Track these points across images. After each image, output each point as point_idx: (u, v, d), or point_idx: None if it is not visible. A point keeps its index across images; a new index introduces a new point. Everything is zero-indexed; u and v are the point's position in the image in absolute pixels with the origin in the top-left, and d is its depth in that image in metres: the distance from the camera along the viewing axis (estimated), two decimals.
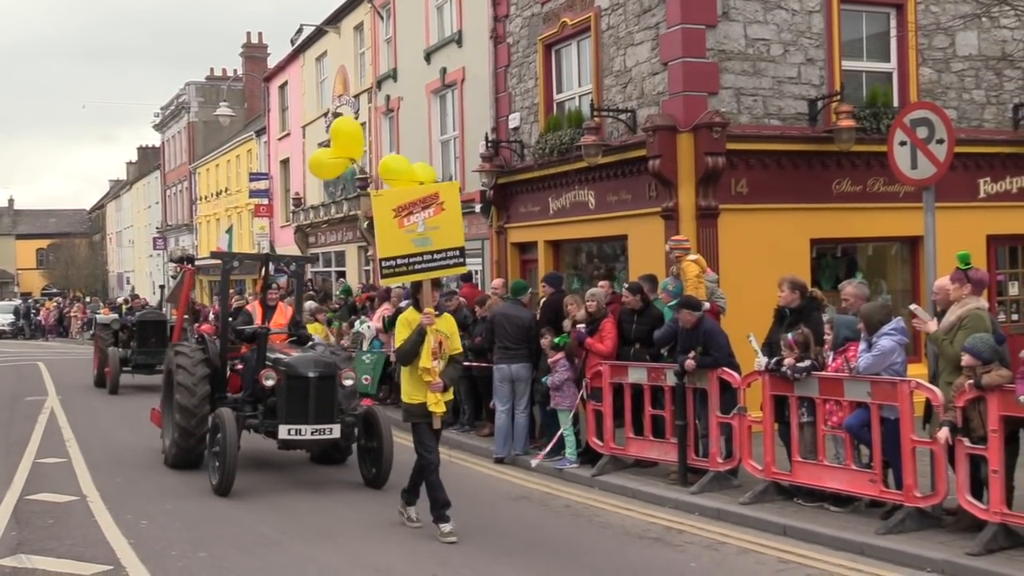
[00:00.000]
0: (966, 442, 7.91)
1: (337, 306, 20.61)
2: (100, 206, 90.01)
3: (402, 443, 11.29)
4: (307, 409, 10.86)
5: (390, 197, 9.25)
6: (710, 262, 13.07)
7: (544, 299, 13.48)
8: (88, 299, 60.97)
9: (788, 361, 9.33)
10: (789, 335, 9.49)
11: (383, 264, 9.06)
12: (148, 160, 70.42)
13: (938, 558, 7.71)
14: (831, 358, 9.39)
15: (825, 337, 9.56)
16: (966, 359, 7.90)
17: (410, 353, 8.81)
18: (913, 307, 9.02)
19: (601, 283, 13.33)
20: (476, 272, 21.09)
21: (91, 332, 44.70)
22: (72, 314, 52.80)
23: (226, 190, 47.87)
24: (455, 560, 8.17)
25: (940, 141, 9.77)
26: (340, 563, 8.14)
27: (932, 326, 8.69)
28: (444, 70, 22.45)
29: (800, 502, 9.44)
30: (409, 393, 8.98)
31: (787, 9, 14.55)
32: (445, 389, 8.86)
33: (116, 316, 23.85)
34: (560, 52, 17.65)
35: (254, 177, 40.15)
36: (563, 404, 11.73)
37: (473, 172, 19.69)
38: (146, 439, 14.93)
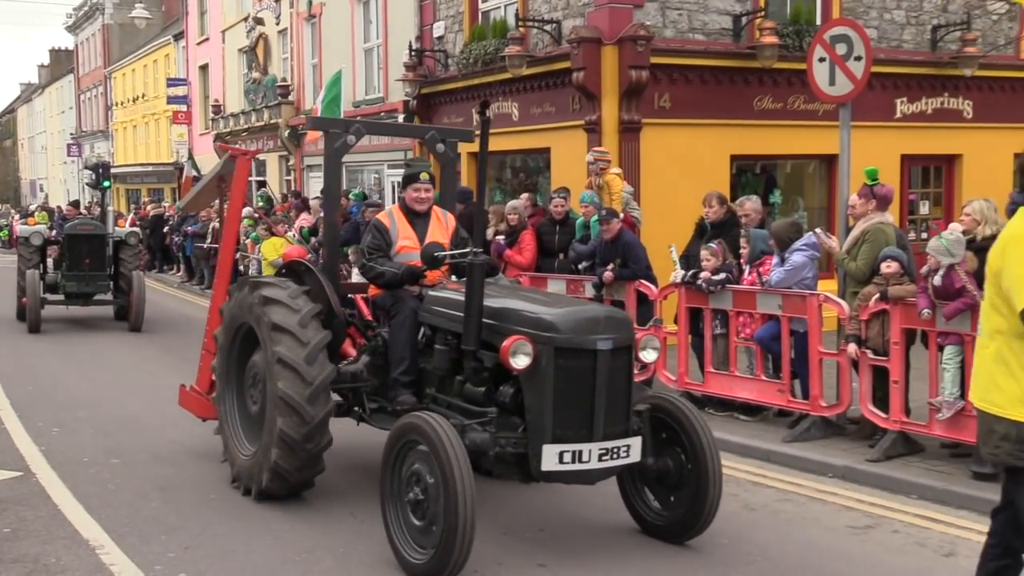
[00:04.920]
0: (869, 354, 8.16)
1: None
2: (11, 110, 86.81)
3: None
4: (592, 412, 5.83)
5: None
6: (631, 176, 13.17)
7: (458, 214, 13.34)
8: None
9: (704, 274, 9.48)
10: (712, 243, 9.63)
11: None
12: (61, 63, 67.91)
13: (840, 464, 8.01)
14: (747, 271, 9.57)
15: (741, 251, 9.75)
16: (893, 266, 8.08)
17: None
18: (817, 231, 9.22)
19: (523, 195, 13.34)
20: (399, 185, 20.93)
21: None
22: None
23: (143, 96, 46.55)
24: None
25: (858, 58, 9.83)
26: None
27: (835, 246, 8.98)
28: None
29: (711, 411, 9.66)
30: None
31: None
32: None
33: (40, 228, 18.75)
34: None
35: (172, 83, 39.04)
36: None
37: (396, 82, 19.37)
38: (58, 347, 14.70)
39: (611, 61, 13.76)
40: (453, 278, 7.16)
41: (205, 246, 21.82)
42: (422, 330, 6.89)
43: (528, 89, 15.48)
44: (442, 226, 7.37)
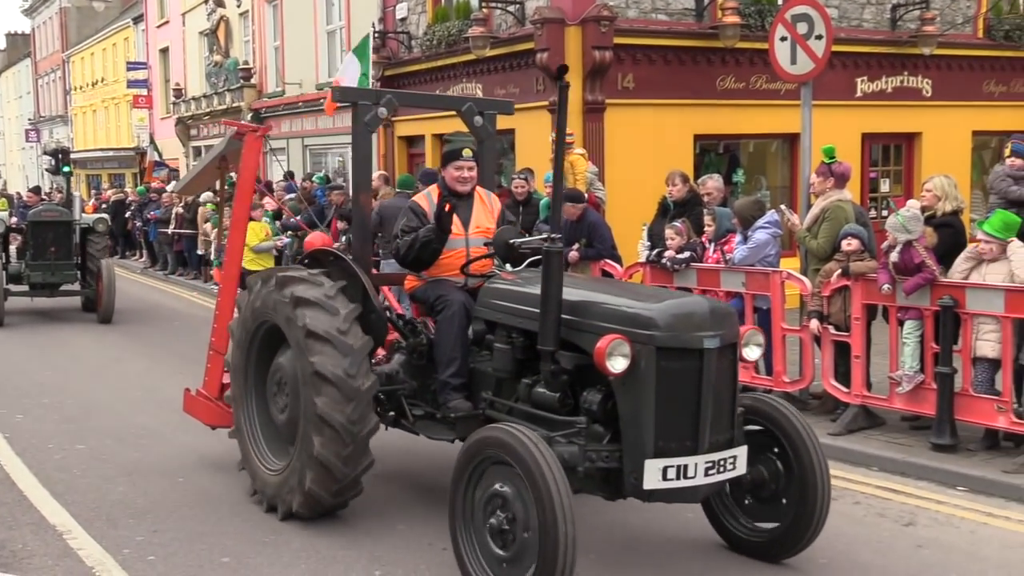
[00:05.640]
0: (831, 329, 8.28)
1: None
2: None
3: None
4: (697, 421, 5.05)
5: None
6: (596, 156, 13.24)
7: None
8: None
9: (669, 253, 9.54)
10: (677, 222, 9.70)
11: None
12: (18, 47, 66.80)
13: None
14: (712, 249, 9.65)
15: (707, 228, 9.82)
16: (854, 244, 8.18)
17: None
18: (782, 207, 9.38)
19: None
20: None
21: None
22: None
23: (103, 80, 45.99)
24: None
25: (819, 37, 9.93)
26: (224, 452, 8.06)
27: (797, 223, 9.09)
28: None
29: None
30: None
31: None
32: None
33: (0, 215, 17.30)
34: None
35: (132, 66, 38.63)
36: None
37: None
38: (20, 336, 14.54)
39: (575, 42, 13.79)
40: (508, 267, 6.33)
41: (169, 231, 21.64)
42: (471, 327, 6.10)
43: (492, 70, 15.48)
44: (487, 209, 6.52)
